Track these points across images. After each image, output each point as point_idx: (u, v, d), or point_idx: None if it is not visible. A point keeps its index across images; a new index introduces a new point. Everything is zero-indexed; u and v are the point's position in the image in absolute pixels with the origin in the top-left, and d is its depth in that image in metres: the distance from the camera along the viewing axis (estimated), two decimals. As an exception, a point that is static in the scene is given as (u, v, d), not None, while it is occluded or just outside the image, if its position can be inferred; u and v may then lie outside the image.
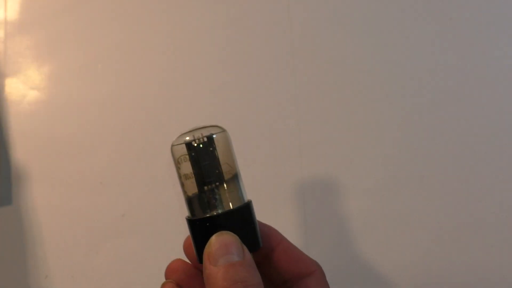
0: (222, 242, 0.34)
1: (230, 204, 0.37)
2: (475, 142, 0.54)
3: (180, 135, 0.37)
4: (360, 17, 0.57)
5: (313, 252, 0.52)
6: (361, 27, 0.57)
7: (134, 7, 0.60)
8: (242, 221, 0.36)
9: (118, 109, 0.58)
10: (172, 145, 0.37)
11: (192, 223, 0.36)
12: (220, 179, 0.37)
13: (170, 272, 0.39)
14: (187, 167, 0.37)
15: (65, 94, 0.59)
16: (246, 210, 0.37)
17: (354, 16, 0.57)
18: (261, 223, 0.39)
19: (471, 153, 0.54)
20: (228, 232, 0.35)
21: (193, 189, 0.37)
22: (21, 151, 0.58)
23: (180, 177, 0.37)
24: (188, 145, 0.37)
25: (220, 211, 0.36)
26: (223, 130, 0.38)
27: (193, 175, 0.37)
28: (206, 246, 0.34)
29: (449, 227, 0.53)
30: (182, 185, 0.37)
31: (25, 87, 0.59)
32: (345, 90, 0.56)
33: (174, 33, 0.59)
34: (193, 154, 0.37)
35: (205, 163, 0.37)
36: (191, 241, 0.37)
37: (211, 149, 0.37)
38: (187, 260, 0.40)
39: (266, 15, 0.58)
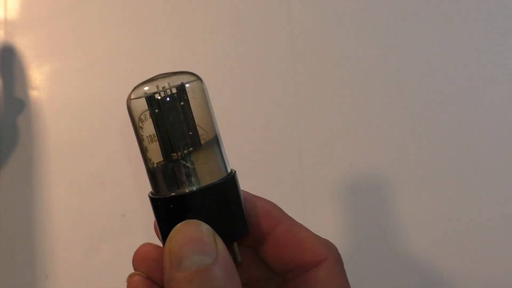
0: (187, 237, 0.25)
1: (207, 178, 0.28)
2: (475, 142, 0.54)
3: (140, 85, 0.28)
4: (360, 17, 0.57)
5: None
6: (361, 27, 0.57)
7: (134, 7, 0.60)
8: (222, 201, 0.28)
9: (118, 109, 0.57)
10: (129, 99, 0.28)
11: (154, 202, 0.28)
12: (193, 144, 0.28)
13: (138, 261, 0.30)
14: (151, 127, 0.28)
15: (65, 94, 0.59)
16: (227, 185, 0.28)
17: (354, 16, 0.57)
18: (254, 197, 0.31)
19: (472, 155, 0.54)
20: (196, 221, 0.26)
21: (158, 156, 0.29)
22: (21, 151, 0.58)
23: (141, 140, 0.29)
24: (150, 98, 0.28)
25: (194, 188, 0.27)
26: (198, 79, 0.29)
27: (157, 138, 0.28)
28: (167, 240, 0.26)
29: (449, 228, 0.53)
30: (144, 150, 0.29)
31: (25, 87, 0.59)
32: (345, 90, 0.56)
33: (174, 33, 0.59)
34: (156, 111, 0.28)
35: (172, 124, 0.28)
36: None
37: (181, 103, 0.28)
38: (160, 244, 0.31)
39: (266, 14, 0.58)
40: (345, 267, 0.31)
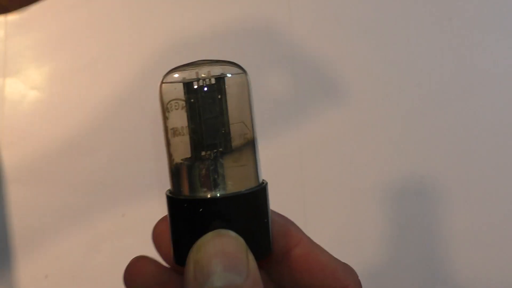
0: (218, 249, 0.22)
1: (240, 183, 0.25)
2: (473, 142, 0.54)
3: (176, 69, 0.26)
4: (360, 17, 0.57)
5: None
6: (361, 27, 0.57)
7: (134, 6, 0.60)
8: (251, 213, 0.25)
9: (119, 109, 0.58)
10: (163, 83, 0.26)
11: (177, 204, 0.25)
12: (229, 144, 0.25)
13: (131, 278, 0.28)
14: (179, 118, 0.25)
15: (65, 94, 0.59)
16: (259, 196, 0.25)
17: (354, 17, 0.57)
18: (273, 213, 0.27)
19: (470, 154, 0.54)
20: (230, 232, 0.23)
21: (184, 152, 0.25)
22: (21, 151, 0.58)
23: (166, 131, 0.26)
24: (188, 85, 0.25)
25: (221, 193, 0.24)
26: (243, 72, 0.26)
27: (187, 131, 0.25)
28: (194, 249, 0.23)
29: (450, 231, 0.53)
30: (168, 144, 0.26)
31: (25, 87, 0.59)
32: (345, 90, 0.56)
33: (174, 32, 0.59)
34: (192, 100, 0.25)
35: (209, 117, 0.24)
36: (165, 227, 0.26)
37: (219, 96, 0.25)
38: (157, 257, 0.28)
39: (266, 13, 0.58)
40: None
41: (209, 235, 0.23)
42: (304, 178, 0.54)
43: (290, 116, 0.55)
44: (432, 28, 0.56)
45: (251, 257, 0.23)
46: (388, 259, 0.53)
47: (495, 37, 0.55)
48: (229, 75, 0.25)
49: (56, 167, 0.57)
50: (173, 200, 0.25)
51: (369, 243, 0.53)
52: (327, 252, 0.28)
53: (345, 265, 0.28)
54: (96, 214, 0.56)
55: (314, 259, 0.27)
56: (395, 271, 0.52)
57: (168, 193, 0.26)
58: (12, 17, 0.61)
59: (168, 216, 0.25)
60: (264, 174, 0.55)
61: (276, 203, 0.56)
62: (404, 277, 0.52)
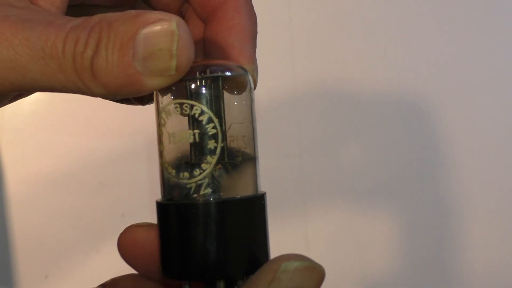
0: (304, 285, 0.21)
1: (235, 192, 0.24)
2: (472, 143, 0.54)
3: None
4: (360, 17, 0.57)
5: (314, 253, 0.52)
6: (361, 27, 0.57)
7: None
8: (248, 221, 0.24)
9: (119, 109, 0.57)
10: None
11: (230, 205, 0.22)
12: (227, 150, 0.23)
13: (124, 250, 0.27)
14: (172, 123, 0.23)
15: (65, 94, 0.58)
16: (256, 204, 0.24)
17: (354, 17, 0.57)
18: None
19: (469, 157, 0.54)
20: (322, 269, 0.22)
21: (175, 157, 0.23)
22: (21, 151, 0.58)
23: (159, 134, 0.24)
24: (182, 85, 0.22)
25: (216, 198, 0.23)
26: (246, 73, 0.24)
27: (177, 137, 0.23)
28: (282, 266, 0.21)
29: (451, 231, 0.53)
30: (161, 148, 0.24)
31: (25, 87, 0.59)
32: (345, 90, 0.56)
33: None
34: (186, 102, 0.22)
35: (206, 121, 0.22)
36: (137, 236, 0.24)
37: (218, 98, 0.23)
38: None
39: (266, 13, 0.58)
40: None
41: (303, 263, 0.22)
42: (304, 179, 0.54)
43: (290, 116, 0.55)
44: (432, 28, 0.56)
45: None
46: (388, 259, 0.53)
47: (495, 37, 0.55)
48: (229, 74, 0.23)
49: (56, 167, 0.57)
50: (220, 204, 0.23)
51: (368, 243, 0.53)
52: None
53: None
54: (96, 214, 0.56)
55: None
56: (395, 271, 0.52)
57: (161, 201, 0.24)
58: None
59: (162, 226, 0.24)
60: (264, 175, 0.55)
61: (277, 203, 0.56)
62: (404, 276, 0.52)
